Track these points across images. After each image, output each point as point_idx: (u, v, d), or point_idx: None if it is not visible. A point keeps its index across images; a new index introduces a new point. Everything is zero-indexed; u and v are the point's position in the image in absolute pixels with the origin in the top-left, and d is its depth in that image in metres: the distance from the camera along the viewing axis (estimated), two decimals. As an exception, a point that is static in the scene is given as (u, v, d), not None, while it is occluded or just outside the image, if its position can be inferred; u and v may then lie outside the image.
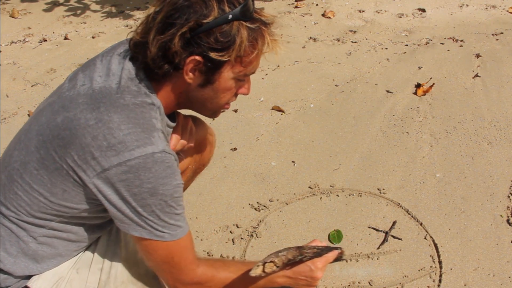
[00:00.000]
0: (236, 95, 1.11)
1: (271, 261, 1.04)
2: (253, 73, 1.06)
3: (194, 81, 1.02)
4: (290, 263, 1.10)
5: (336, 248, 1.20)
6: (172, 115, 1.17)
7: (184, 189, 1.57)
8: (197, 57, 0.96)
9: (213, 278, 1.11)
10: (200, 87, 1.04)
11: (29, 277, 1.11)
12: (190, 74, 1.00)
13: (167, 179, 0.97)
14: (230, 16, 0.95)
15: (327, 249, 1.17)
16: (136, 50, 1.01)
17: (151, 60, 0.98)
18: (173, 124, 1.15)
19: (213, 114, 1.15)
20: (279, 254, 1.07)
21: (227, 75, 1.02)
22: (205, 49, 0.96)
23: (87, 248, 1.19)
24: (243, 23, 0.97)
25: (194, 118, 1.44)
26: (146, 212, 0.97)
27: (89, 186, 0.96)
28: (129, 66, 1.03)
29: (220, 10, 0.95)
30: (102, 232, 1.20)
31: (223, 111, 1.16)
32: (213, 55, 0.96)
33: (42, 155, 0.99)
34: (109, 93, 0.99)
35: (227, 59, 0.97)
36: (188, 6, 0.94)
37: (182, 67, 0.98)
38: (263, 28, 1.00)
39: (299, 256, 1.10)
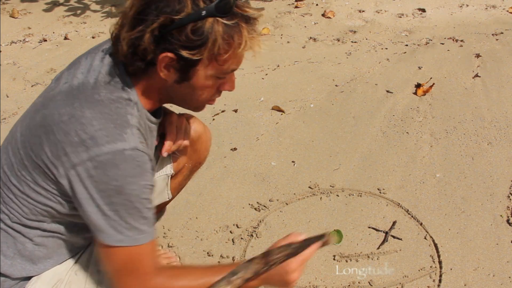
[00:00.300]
0: (219, 92, 1.07)
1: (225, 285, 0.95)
2: (234, 70, 1.02)
3: (170, 78, 0.98)
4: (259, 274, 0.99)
5: (320, 237, 1.05)
6: (157, 111, 1.14)
7: (181, 188, 1.57)
8: (169, 54, 0.92)
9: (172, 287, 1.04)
10: (176, 84, 1.00)
11: (27, 279, 1.10)
12: (165, 71, 0.96)
13: (135, 178, 0.93)
14: (204, 13, 0.90)
15: (305, 244, 1.03)
16: (114, 45, 0.99)
17: (123, 56, 0.95)
18: (157, 120, 1.12)
19: (196, 108, 1.12)
20: (233, 278, 0.96)
21: (203, 73, 0.98)
22: (177, 46, 0.91)
23: (86, 250, 1.19)
24: (219, 19, 0.91)
25: (188, 116, 1.44)
26: (111, 211, 0.93)
27: (62, 183, 0.94)
28: (108, 61, 1.01)
29: (194, 5, 0.90)
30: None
31: (210, 104, 1.12)
32: (184, 53, 0.92)
33: (22, 155, 0.98)
34: (85, 88, 0.97)
35: (199, 57, 0.93)
36: (160, 1, 0.90)
37: (155, 63, 0.95)
38: (242, 24, 0.94)
39: (265, 267, 0.99)
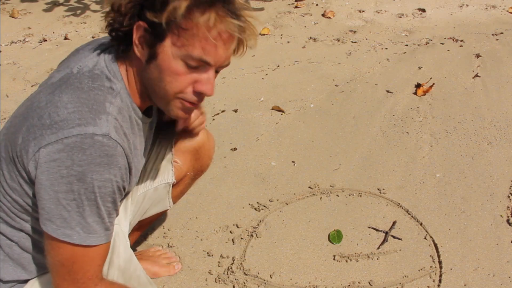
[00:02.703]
0: (195, 93, 0.99)
1: None
2: (205, 61, 0.94)
3: (143, 56, 0.96)
4: None
5: None
6: (149, 110, 1.11)
7: (182, 195, 1.56)
8: (141, 23, 0.92)
9: None
10: (147, 64, 0.96)
11: (21, 283, 1.08)
12: (139, 46, 0.94)
13: (100, 167, 0.88)
14: None
15: None
16: (106, 20, 0.98)
17: (109, 25, 0.95)
18: (148, 119, 1.10)
19: (167, 105, 1.01)
20: None
21: (170, 51, 0.93)
22: (146, 11, 0.90)
23: None
24: None
25: None
26: (67, 200, 0.88)
27: (29, 170, 0.90)
28: (100, 50, 1.00)
29: None
30: None
31: (187, 111, 1.03)
32: (148, 14, 0.90)
33: (1, 149, 0.97)
34: (68, 78, 0.96)
35: (159, 21, 0.89)
36: None
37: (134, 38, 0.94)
38: (218, 3, 0.90)
39: None
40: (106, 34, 1.00)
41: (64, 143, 0.86)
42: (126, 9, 0.92)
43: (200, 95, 1.00)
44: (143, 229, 1.62)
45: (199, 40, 0.91)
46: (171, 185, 1.41)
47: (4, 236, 1.02)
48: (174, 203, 1.47)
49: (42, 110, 0.91)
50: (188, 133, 1.36)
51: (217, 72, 1.00)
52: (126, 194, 1.21)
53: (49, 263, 0.96)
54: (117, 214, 0.99)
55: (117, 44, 0.98)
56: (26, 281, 1.09)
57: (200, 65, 0.95)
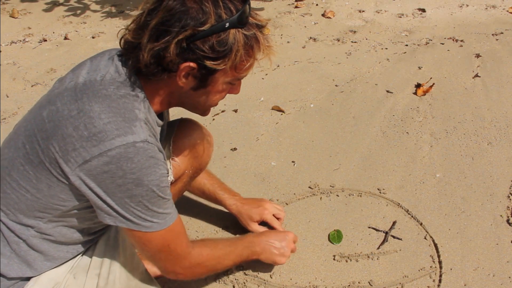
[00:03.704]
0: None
1: None
2: (246, 75, 1.08)
3: (187, 85, 1.01)
4: None
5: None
6: (161, 114, 1.16)
7: (181, 194, 1.56)
8: (192, 64, 0.95)
9: (208, 257, 1.18)
10: (192, 90, 1.03)
11: (24, 279, 1.09)
12: (183, 79, 0.99)
13: (151, 169, 0.95)
14: (227, 25, 0.93)
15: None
16: (128, 50, 1.00)
17: (144, 66, 0.96)
18: (161, 122, 1.14)
19: (204, 112, 1.16)
20: None
21: (221, 80, 1.02)
22: (200, 56, 0.94)
23: (85, 253, 1.17)
24: (240, 30, 0.95)
25: (192, 122, 1.44)
26: (133, 203, 0.96)
27: (71, 179, 0.94)
28: (117, 62, 1.02)
29: (217, 16, 0.92)
30: (94, 236, 1.17)
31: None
32: (208, 63, 0.95)
33: (28, 149, 0.98)
34: (92, 85, 0.98)
35: (222, 67, 0.96)
36: (184, 12, 0.92)
37: (175, 71, 0.97)
38: (259, 34, 0.99)
39: None
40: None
41: (109, 155, 0.91)
42: (174, 60, 0.95)
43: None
44: None
45: (250, 67, 1.03)
46: (169, 183, 1.41)
47: (13, 233, 1.03)
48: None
49: (76, 120, 0.93)
50: (187, 131, 1.42)
51: None
52: None
53: (148, 255, 1.09)
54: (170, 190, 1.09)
55: (146, 68, 1.00)
56: (28, 279, 1.09)
57: None
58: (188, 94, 1.05)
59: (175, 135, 1.41)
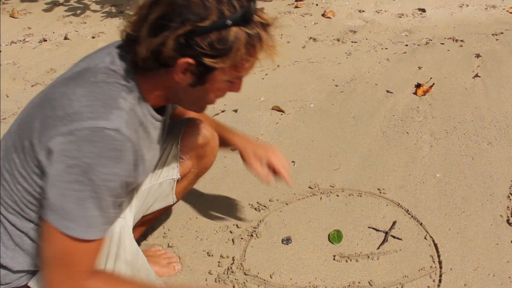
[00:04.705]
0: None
1: None
2: (246, 75, 1.04)
3: (184, 81, 0.98)
4: None
5: None
6: (161, 108, 1.13)
7: (186, 192, 1.57)
8: (190, 60, 0.92)
9: None
10: (190, 87, 1.00)
11: (29, 273, 1.09)
12: (181, 75, 0.96)
13: (108, 161, 0.88)
14: (230, 22, 0.89)
15: None
16: (127, 43, 0.99)
17: (141, 60, 0.95)
18: (160, 117, 1.10)
19: (200, 109, 1.14)
20: None
21: (219, 78, 0.98)
22: (199, 53, 0.91)
23: None
24: (242, 28, 0.91)
25: (199, 121, 1.44)
26: (71, 190, 0.88)
27: (39, 157, 0.91)
28: (114, 53, 1.01)
29: (219, 12, 0.89)
30: None
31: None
32: (206, 61, 0.92)
33: (15, 137, 0.98)
34: (84, 72, 0.97)
35: (221, 66, 0.93)
36: (185, 6, 0.89)
37: (173, 66, 0.94)
38: (262, 33, 0.95)
39: None
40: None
41: (75, 134, 0.87)
42: (171, 55, 0.92)
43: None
44: (146, 226, 1.63)
45: (250, 67, 0.99)
46: (176, 181, 1.43)
47: (14, 227, 1.03)
48: (177, 199, 1.48)
49: (56, 102, 0.92)
50: (195, 130, 1.41)
51: None
52: (132, 191, 1.22)
53: (43, 253, 0.95)
54: (120, 211, 1.01)
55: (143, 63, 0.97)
56: (34, 273, 1.09)
57: None
58: (185, 91, 1.02)
59: (183, 134, 1.41)
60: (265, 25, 0.96)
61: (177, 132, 1.41)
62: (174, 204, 1.52)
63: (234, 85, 1.06)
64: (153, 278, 1.28)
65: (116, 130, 0.89)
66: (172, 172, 1.41)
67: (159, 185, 1.40)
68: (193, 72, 0.96)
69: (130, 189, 1.04)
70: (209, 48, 0.90)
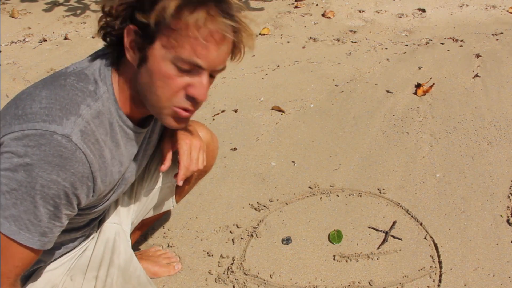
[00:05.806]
0: (187, 97, 0.95)
1: None
2: (196, 64, 0.90)
3: (134, 60, 0.93)
4: None
5: None
6: (146, 120, 1.07)
7: (185, 195, 1.56)
8: (131, 26, 0.90)
9: None
10: (138, 69, 0.94)
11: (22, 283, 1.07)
12: (130, 50, 0.92)
13: (50, 167, 0.84)
14: None
15: None
16: (99, 25, 0.97)
17: (101, 28, 0.94)
18: (142, 130, 1.05)
19: (160, 113, 0.97)
20: None
21: (159, 53, 0.89)
22: (135, 11, 0.89)
23: (82, 255, 1.17)
24: None
25: (199, 124, 1.43)
26: (8, 186, 0.84)
27: None
28: (97, 55, 0.99)
29: None
30: (76, 233, 1.13)
31: (180, 120, 0.99)
32: (138, 15, 0.88)
33: None
34: (58, 75, 0.95)
35: (148, 22, 0.87)
36: None
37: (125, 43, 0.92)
38: (209, 2, 0.87)
39: None
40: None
41: (24, 134, 0.84)
42: (117, 12, 0.91)
43: (192, 100, 0.95)
44: (145, 229, 1.63)
45: (189, 41, 0.87)
46: (175, 185, 1.41)
47: None
48: (177, 203, 1.48)
49: (21, 101, 0.90)
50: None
51: (212, 77, 0.96)
52: (97, 204, 1.10)
53: None
54: (62, 225, 0.93)
55: (112, 49, 0.96)
56: (25, 279, 1.09)
57: (192, 69, 0.91)
58: (137, 78, 0.95)
59: None
60: (219, 1, 0.88)
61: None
62: (173, 208, 1.51)
63: (193, 84, 0.93)
64: (144, 283, 1.26)
65: (67, 137, 0.85)
66: (171, 176, 1.38)
67: (158, 190, 1.38)
68: (138, 44, 0.91)
69: (82, 205, 0.96)
70: (141, 4, 0.89)
